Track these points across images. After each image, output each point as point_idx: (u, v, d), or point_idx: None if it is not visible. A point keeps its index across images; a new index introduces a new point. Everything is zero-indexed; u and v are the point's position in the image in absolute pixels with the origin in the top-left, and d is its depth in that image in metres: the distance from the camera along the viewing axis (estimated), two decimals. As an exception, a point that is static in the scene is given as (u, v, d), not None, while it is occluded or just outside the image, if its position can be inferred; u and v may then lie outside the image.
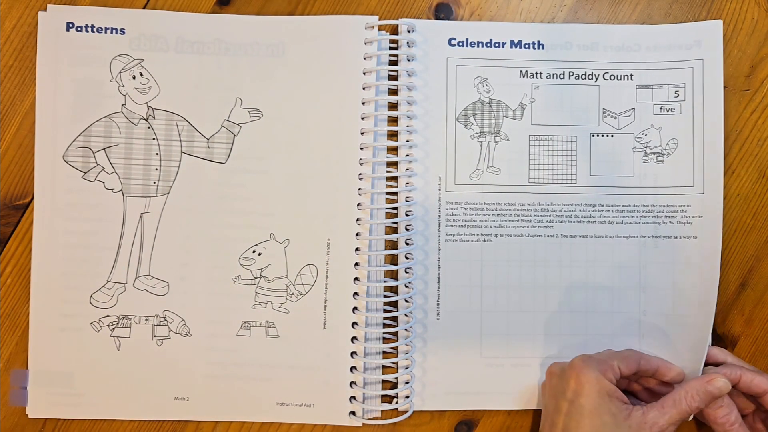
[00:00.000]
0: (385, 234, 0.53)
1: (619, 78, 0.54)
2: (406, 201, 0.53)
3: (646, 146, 0.53)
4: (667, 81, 0.53)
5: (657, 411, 0.46)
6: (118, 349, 0.52)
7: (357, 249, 0.52)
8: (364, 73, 0.53)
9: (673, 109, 0.53)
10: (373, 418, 0.53)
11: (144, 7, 0.53)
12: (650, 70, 0.53)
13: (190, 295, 0.52)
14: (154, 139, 0.53)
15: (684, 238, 0.52)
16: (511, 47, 0.54)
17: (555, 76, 0.54)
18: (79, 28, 0.52)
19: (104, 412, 0.52)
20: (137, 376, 0.52)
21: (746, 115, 0.54)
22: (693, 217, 0.52)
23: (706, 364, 0.50)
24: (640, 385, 0.51)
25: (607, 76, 0.54)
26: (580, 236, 0.53)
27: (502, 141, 0.53)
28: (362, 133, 0.53)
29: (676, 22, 0.54)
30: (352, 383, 0.52)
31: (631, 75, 0.53)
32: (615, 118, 0.53)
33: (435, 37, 0.53)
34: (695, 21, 0.54)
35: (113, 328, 0.52)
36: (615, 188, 0.53)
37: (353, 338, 0.52)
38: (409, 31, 0.53)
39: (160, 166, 0.53)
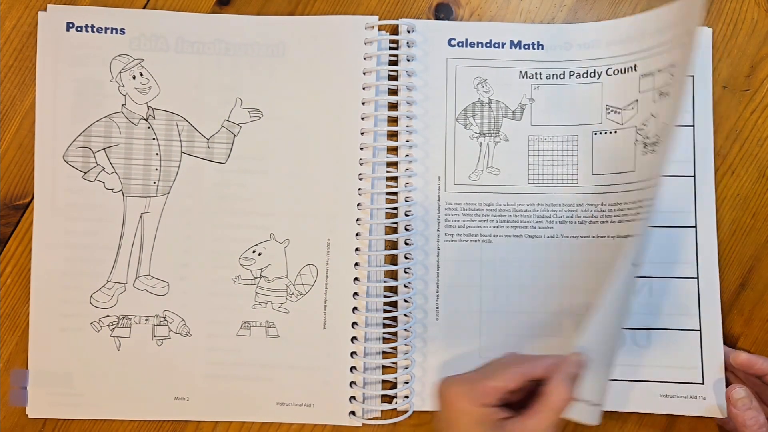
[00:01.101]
0: (385, 234, 0.53)
1: (623, 71, 0.53)
2: (406, 201, 0.53)
3: (646, 137, 0.53)
4: (666, 63, 0.52)
5: (532, 418, 0.41)
6: (118, 349, 0.52)
7: (357, 249, 0.52)
8: (364, 73, 0.53)
9: (668, 93, 0.52)
10: (373, 418, 0.52)
11: (144, 7, 0.53)
12: (653, 56, 0.53)
13: (190, 295, 0.52)
14: (154, 139, 0.53)
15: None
16: (511, 47, 0.54)
17: (555, 76, 0.54)
18: (79, 28, 0.52)
19: (104, 412, 0.52)
20: (137, 376, 0.52)
21: (746, 115, 0.54)
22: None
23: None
24: None
25: (610, 71, 0.53)
26: (581, 237, 0.53)
27: (502, 141, 0.53)
28: (362, 133, 0.53)
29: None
30: (352, 383, 0.52)
31: (635, 66, 0.53)
32: (619, 113, 0.53)
33: (435, 37, 0.54)
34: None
35: (113, 328, 0.52)
36: (617, 186, 0.53)
37: (353, 338, 0.52)
38: (409, 31, 0.53)
39: (160, 166, 0.53)
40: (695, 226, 0.52)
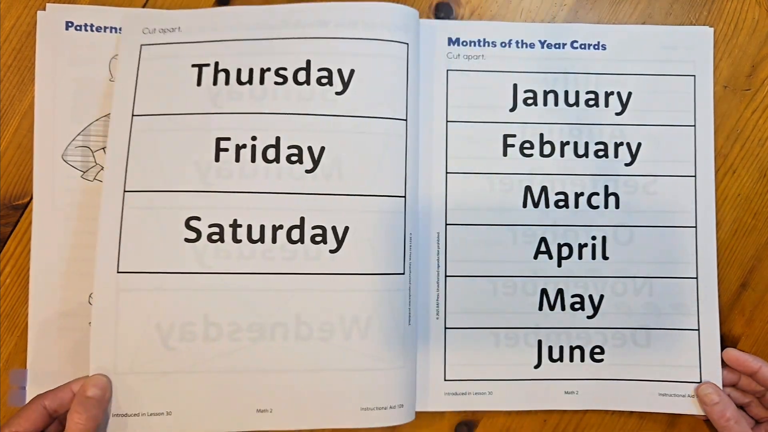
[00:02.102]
0: (385, 234, 0.53)
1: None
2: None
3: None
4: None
5: None
6: (118, 349, 0.52)
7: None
8: (365, 73, 0.53)
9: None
10: (373, 419, 0.52)
11: (143, 6, 0.53)
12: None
13: (189, 295, 0.52)
14: (153, 138, 0.52)
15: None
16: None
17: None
18: (78, 27, 0.52)
19: (103, 412, 0.52)
20: (136, 377, 0.52)
21: (747, 114, 0.54)
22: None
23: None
24: None
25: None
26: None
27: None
28: (362, 133, 0.53)
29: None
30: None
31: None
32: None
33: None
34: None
35: (112, 328, 0.52)
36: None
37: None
38: (409, 31, 0.53)
39: (160, 165, 0.52)
40: (695, 227, 0.52)
